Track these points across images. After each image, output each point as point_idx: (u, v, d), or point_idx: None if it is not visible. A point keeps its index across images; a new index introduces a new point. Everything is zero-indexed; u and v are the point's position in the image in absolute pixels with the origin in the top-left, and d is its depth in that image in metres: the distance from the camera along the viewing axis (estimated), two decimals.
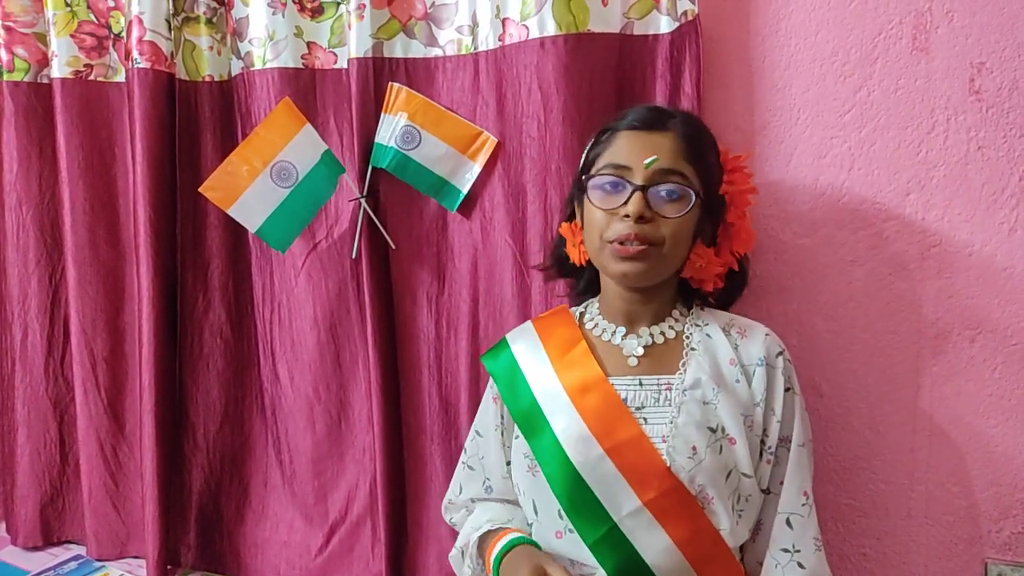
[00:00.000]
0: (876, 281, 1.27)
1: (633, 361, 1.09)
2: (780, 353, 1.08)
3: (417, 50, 1.47)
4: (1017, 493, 1.23)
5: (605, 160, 1.06)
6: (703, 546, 1.00)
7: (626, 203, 1.01)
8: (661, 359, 1.09)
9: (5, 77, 1.70)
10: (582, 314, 1.18)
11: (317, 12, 1.53)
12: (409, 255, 1.51)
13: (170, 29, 1.57)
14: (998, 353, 1.22)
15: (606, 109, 1.32)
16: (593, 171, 1.07)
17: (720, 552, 1.02)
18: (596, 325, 1.14)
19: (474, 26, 1.41)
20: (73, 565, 1.75)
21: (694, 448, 1.01)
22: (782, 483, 1.05)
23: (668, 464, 1.00)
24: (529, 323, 1.21)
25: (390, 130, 1.44)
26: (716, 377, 1.05)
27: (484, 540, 1.13)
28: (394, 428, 1.54)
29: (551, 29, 1.29)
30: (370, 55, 1.44)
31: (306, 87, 1.54)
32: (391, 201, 1.50)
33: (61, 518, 1.84)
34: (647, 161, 1.01)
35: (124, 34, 1.60)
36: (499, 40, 1.37)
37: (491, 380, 1.21)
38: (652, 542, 1.00)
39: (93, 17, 1.68)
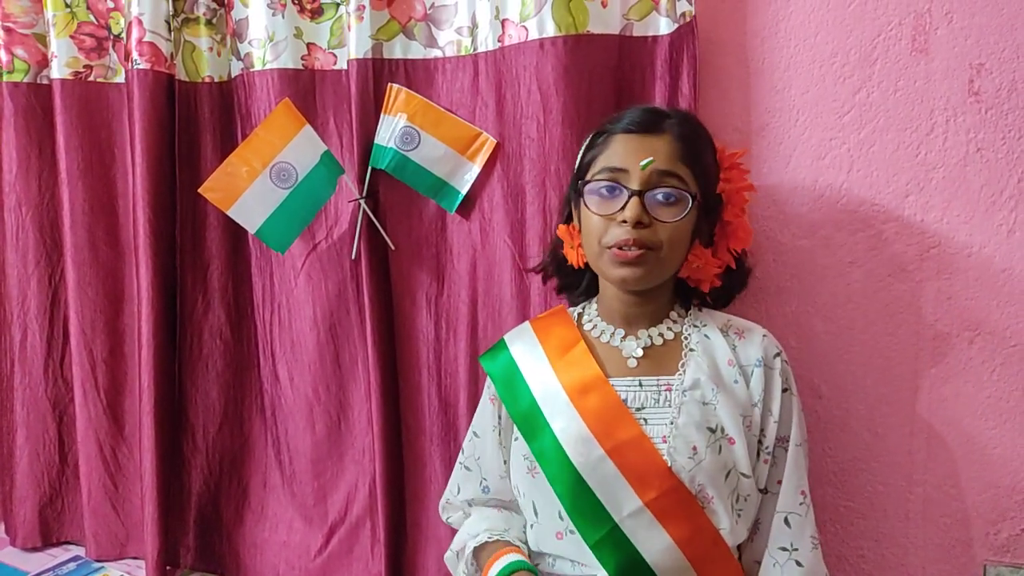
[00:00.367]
0: (875, 282, 1.27)
1: (632, 362, 1.09)
2: (778, 354, 1.09)
3: (417, 51, 1.47)
4: (1015, 495, 1.23)
5: (601, 164, 1.06)
6: (703, 545, 1.01)
7: (623, 209, 1.01)
8: (660, 360, 1.09)
9: (5, 78, 1.70)
10: (580, 315, 1.19)
11: (317, 13, 1.53)
12: (408, 256, 1.51)
13: (170, 30, 1.57)
14: (997, 355, 1.22)
15: (605, 110, 1.31)
16: (589, 176, 1.07)
17: (720, 551, 1.02)
18: (595, 326, 1.15)
19: (473, 27, 1.41)
20: (72, 566, 1.75)
21: (694, 448, 1.01)
22: (779, 483, 1.06)
23: (669, 464, 1.00)
24: (527, 324, 1.21)
25: (389, 131, 1.44)
26: (715, 378, 1.06)
27: (481, 551, 1.14)
28: (393, 429, 1.54)
29: (550, 30, 1.29)
30: (370, 56, 1.44)
31: (306, 88, 1.54)
32: (390, 202, 1.50)
33: (60, 519, 1.84)
34: (643, 163, 1.01)
35: (124, 35, 1.60)
36: (498, 41, 1.37)
37: (488, 381, 1.21)
38: (653, 542, 1.00)
39: (93, 18, 1.68)
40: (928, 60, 1.21)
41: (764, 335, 1.10)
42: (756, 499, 1.07)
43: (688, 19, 1.27)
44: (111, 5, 1.67)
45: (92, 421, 1.74)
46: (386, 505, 1.52)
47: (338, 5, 1.51)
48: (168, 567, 1.67)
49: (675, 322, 1.12)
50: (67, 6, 1.64)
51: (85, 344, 1.72)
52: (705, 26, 1.29)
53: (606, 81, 1.33)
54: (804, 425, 1.09)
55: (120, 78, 1.70)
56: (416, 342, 1.53)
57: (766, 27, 1.29)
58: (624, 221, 1.01)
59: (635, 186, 1.01)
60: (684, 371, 1.07)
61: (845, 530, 1.33)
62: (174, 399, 1.70)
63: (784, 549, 1.04)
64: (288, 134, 1.44)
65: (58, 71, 1.65)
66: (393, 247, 1.50)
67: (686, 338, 1.10)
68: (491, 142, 1.41)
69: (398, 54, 1.47)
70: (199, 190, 1.46)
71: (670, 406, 1.04)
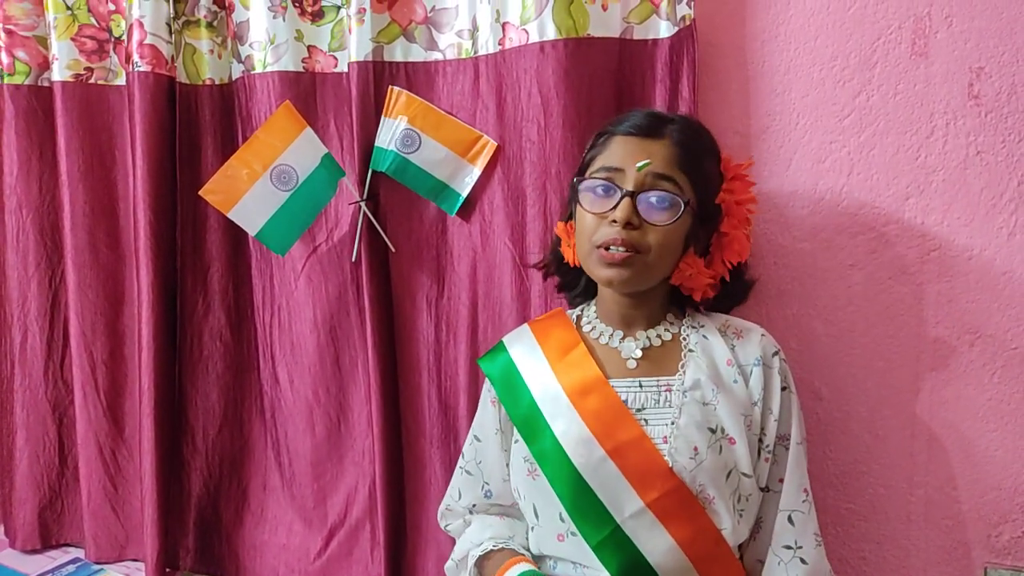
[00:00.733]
0: (875, 285, 1.27)
1: (632, 363, 1.09)
2: (776, 353, 1.09)
3: (417, 54, 1.47)
4: (1017, 497, 1.23)
5: (599, 163, 1.07)
6: (705, 546, 1.01)
7: (615, 208, 1.02)
8: (659, 361, 1.09)
9: (6, 80, 1.71)
10: (579, 317, 1.19)
11: (317, 16, 1.53)
12: (409, 258, 1.51)
13: (171, 33, 1.58)
14: (998, 357, 1.22)
15: (606, 113, 1.32)
16: (587, 174, 1.08)
17: (722, 551, 1.02)
18: (594, 328, 1.15)
19: (474, 30, 1.42)
20: (72, 568, 1.75)
21: (695, 449, 1.01)
22: (781, 481, 1.07)
23: (670, 465, 1.00)
24: (526, 326, 1.21)
25: (390, 134, 1.44)
26: (715, 378, 1.06)
27: (487, 561, 1.13)
28: (393, 431, 1.54)
29: (551, 33, 1.30)
30: (370, 59, 1.45)
31: (306, 91, 1.55)
32: (391, 204, 1.50)
33: (60, 521, 1.84)
34: (639, 164, 1.01)
35: (125, 37, 1.61)
36: (499, 44, 1.38)
37: (486, 384, 1.21)
38: (655, 543, 1.00)
39: (94, 21, 1.68)
40: (928, 64, 1.21)
41: (762, 334, 1.11)
42: (757, 498, 1.07)
43: (688, 23, 1.28)
44: (112, 7, 1.68)
45: (92, 423, 1.74)
46: (386, 507, 1.52)
47: (339, 8, 1.52)
48: (168, 569, 1.67)
49: (672, 324, 1.13)
50: (68, 8, 1.65)
51: (85, 346, 1.72)
52: (705, 29, 1.29)
53: (606, 84, 1.33)
54: (803, 423, 1.10)
55: (121, 80, 1.70)
56: (416, 344, 1.53)
57: (766, 30, 1.29)
58: (614, 221, 1.01)
59: (629, 187, 1.02)
60: (684, 371, 1.07)
61: (846, 532, 1.33)
62: (174, 401, 1.70)
63: (788, 547, 1.05)
64: (289, 137, 1.44)
65: (59, 73, 1.66)
66: (393, 249, 1.50)
67: (685, 339, 1.10)
68: (492, 145, 1.41)
69: (399, 57, 1.47)
70: (200, 192, 1.46)
71: (670, 406, 1.04)
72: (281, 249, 1.50)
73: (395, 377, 1.55)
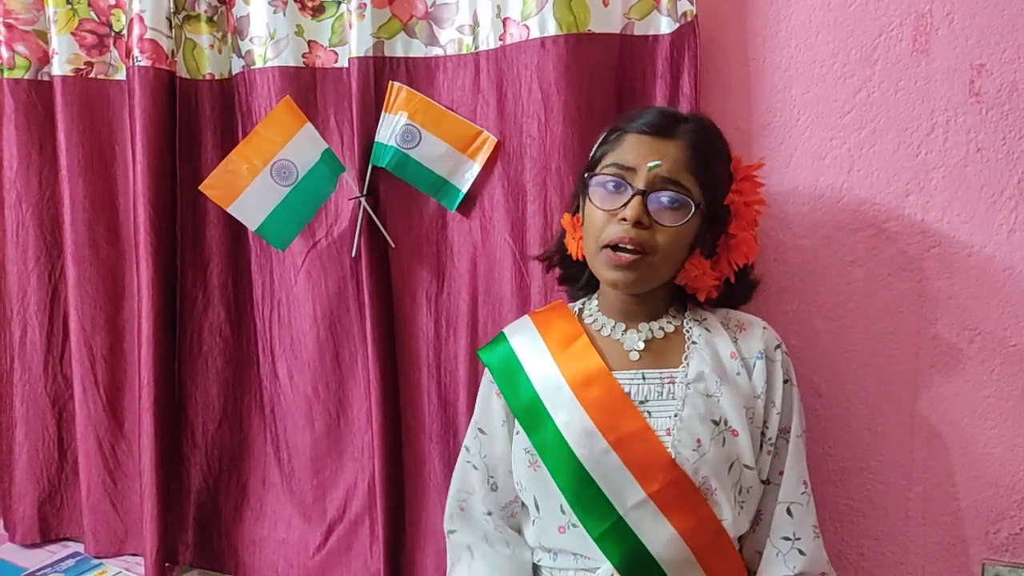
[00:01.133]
0: (875, 282, 1.27)
1: (635, 355, 1.09)
2: (778, 346, 1.10)
3: (418, 49, 1.47)
4: (1015, 494, 1.23)
5: (610, 159, 1.06)
6: (706, 536, 1.02)
7: (625, 206, 1.01)
8: (662, 353, 1.10)
9: (6, 74, 1.70)
10: (581, 310, 1.19)
11: (318, 11, 1.53)
12: (409, 254, 1.51)
13: (171, 27, 1.57)
14: (997, 354, 1.22)
15: (606, 109, 1.32)
16: (597, 169, 1.08)
17: (722, 542, 1.03)
18: (595, 320, 1.15)
19: (475, 25, 1.41)
20: (71, 562, 1.75)
21: (698, 441, 1.01)
22: (781, 473, 1.07)
23: (673, 456, 1.01)
24: (527, 317, 1.21)
25: (390, 129, 1.44)
26: (718, 370, 1.06)
27: None
28: (393, 427, 1.54)
29: (552, 29, 1.29)
30: (371, 54, 1.44)
31: (307, 86, 1.55)
32: (391, 200, 1.50)
33: (59, 515, 1.84)
34: (650, 164, 1.01)
35: (125, 32, 1.60)
36: (500, 40, 1.38)
37: (486, 377, 1.21)
38: (657, 533, 1.01)
39: (94, 15, 1.68)
40: (929, 60, 1.21)
41: (764, 327, 1.11)
42: (758, 490, 1.08)
43: (689, 18, 1.28)
44: (112, 2, 1.67)
45: (91, 418, 1.74)
46: (385, 503, 1.52)
47: (339, 3, 1.51)
48: (167, 564, 1.68)
49: (675, 317, 1.13)
50: (68, 3, 1.64)
51: (85, 341, 1.72)
52: (706, 25, 1.29)
53: (607, 80, 1.33)
54: (803, 416, 1.11)
55: (121, 75, 1.70)
56: (416, 340, 1.53)
57: (767, 27, 1.29)
58: (624, 219, 1.01)
59: (640, 186, 1.02)
60: (688, 363, 1.07)
61: (845, 528, 1.33)
62: (173, 396, 1.70)
63: (787, 538, 1.06)
64: (289, 132, 1.44)
65: (59, 68, 1.65)
66: (393, 245, 1.50)
67: (688, 331, 1.11)
68: (492, 140, 1.41)
69: (399, 52, 1.47)
70: (200, 187, 1.46)
71: (674, 399, 1.05)
72: (281, 244, 1.50)
73: (395, 373, 1.55)
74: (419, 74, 1.47)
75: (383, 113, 1.45)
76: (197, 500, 1.72)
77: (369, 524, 1.59)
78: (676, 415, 1.03)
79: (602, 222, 1.04)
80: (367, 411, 1.57)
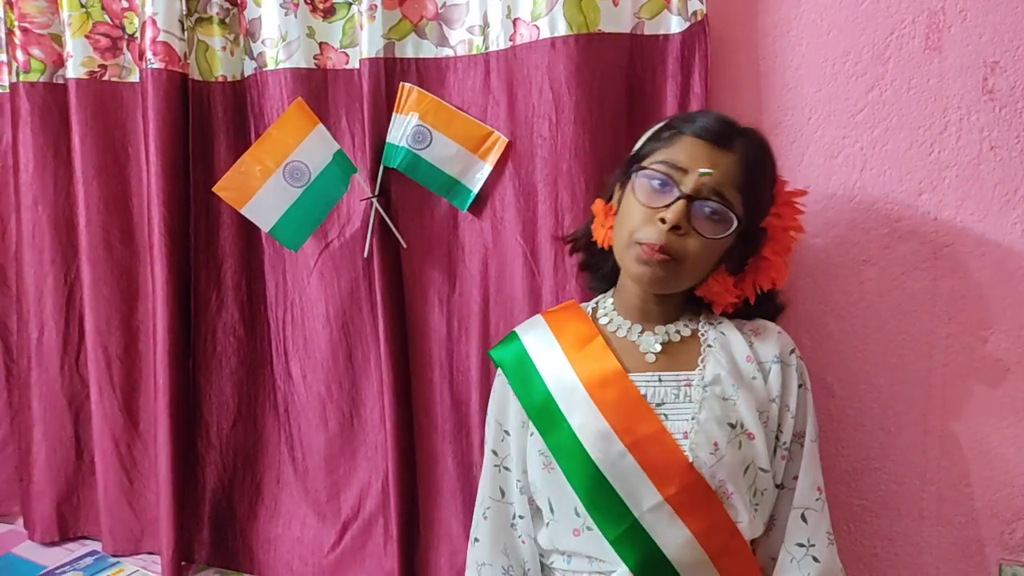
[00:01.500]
0: (888, 281, 1.26)
1: (651, 357, 1.09)
2: (793, 351, 1.09)
3: (428, 50, 1.47)
4: None
5: (661, 156, 1.04)
6: (721, 538, 1.01)
7: (667, 207, 1.00)
8: (679, 356, 1.09)
9: (21, 78, 1.72)
10: (594, 309, 1.18)
11: (329, 13, 1.53)
12: (420, 254, 1.52)
13: (183, 30, 1.58)
14: (1011, 354, 1.21)
15: (617, 109, 1.32)
16: (646, 162, 1.05)
17: (737, 544, 1.03)
18: (611, 321, 1.14)
19: (485, 26, 1.42)
20: (89, 560, 1.77)
21: (715, 444, 1.01)
22: (795, 478, 1.07)
23: (690, 460, 1.00)
24: (539, 316, 1.20)
25: (401, 130, 1.45)
26: (734, 373, 1.06)
27: None
28: (406, 426, 1.55)
29: (562, 29, 1.29)
30: (382, 55, 1.45)
31: (318, 87, 1.55)
32: (402, 200, 1.51)
33: (77, 514, 1.86)
34: (703, 171, 0.99)
35: (138, 35, 1.61)
36: (510, 40, 1.38)
37: (500, 378, 1.19)
38: (673, 536, 1.00)
39: (107, 18, 1.69)
40: (941, 58, 1.20)
41: (779, 332, 1.11)
42: (772, 493, 1.07)
43: (699, 17, 1.27)
44: (125, 5, 1.69)
45: (108, 418, 1.75)
46: (399, 502, 1.53)
47: (350, 4, 1.52)
48: (183, 562, 1.69)
49: (691, 319, 1.12)
50: (82, 6, 1.66)
51: (100, 341, 1.74)
52: (717, 24, 1.28)
53: (618, 80, 1.33)
54: (817, 421, 1.10)
55: (134, 77, 1.71)
56: (428, 340, 1.54)
57: (778, 25, 1.29)
58: (663, 219, 0.99)
59: (687, 190, 1.00)
60: (704, 366, 1.07)
61: (859, 529, 1.33)
62: (188, 396, 1.71)
63: (801, 545, 1.05)
64: (301, 133, 1.44)
65: (73, 71, 1.67)
66: (405, 245, 1.51)
67: (703, 334, 1.10)
68: (503, 141, 1.41)
69: (410, 53, 1.47)
70: (213, 189, 1.47)
71: (690, 401, 1.04)
72: (294, 245, 1.51)
73: (407, 372, 1.56)
74: (430, 75, 1.48)
75: (394, 114, 1.45)
76: (212, 499, 1.73)
77: (383, 523, 1.60)
78: (693, 418, 1.02)
79: (640, 217, 1.03)
80: (380, 410, 1.58)
